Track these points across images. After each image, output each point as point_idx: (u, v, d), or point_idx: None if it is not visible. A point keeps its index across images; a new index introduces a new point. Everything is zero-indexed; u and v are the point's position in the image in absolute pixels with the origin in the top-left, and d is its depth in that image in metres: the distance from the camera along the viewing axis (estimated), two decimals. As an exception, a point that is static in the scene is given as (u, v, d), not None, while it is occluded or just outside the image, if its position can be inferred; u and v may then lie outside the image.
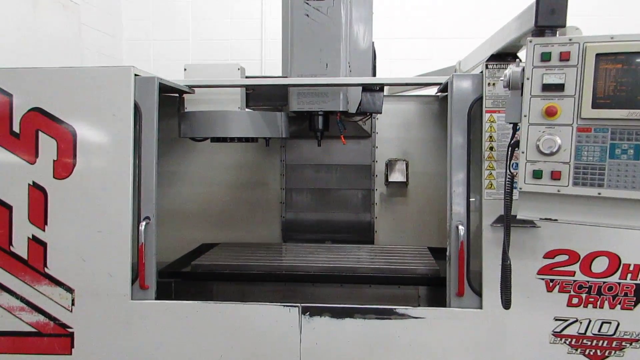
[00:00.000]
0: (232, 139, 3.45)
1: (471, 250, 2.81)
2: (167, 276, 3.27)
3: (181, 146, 4.06)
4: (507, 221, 2.36)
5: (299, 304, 2.88)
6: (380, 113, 3.50)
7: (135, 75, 2.94)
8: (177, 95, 3.63)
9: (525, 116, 2.22)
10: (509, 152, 2.37)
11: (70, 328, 2.96)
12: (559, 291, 2.73)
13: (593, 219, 2.19)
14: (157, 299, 2.96)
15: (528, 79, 2.20)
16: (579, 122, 2.16)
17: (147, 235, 2.91)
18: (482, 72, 2.79)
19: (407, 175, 3.91)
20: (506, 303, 2.43)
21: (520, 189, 2.26)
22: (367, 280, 3.20)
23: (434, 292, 3.18)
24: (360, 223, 3.98)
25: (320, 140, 3.55)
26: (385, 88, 4.07)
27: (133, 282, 2.93)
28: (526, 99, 2.21)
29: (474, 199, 2.84)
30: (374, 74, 3.64)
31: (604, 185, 2.14)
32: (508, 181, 2.36)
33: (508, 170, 2.35)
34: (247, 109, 3.67)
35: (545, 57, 2.16)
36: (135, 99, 2.92)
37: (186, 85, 3.39)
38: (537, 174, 2.21)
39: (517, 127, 2.32)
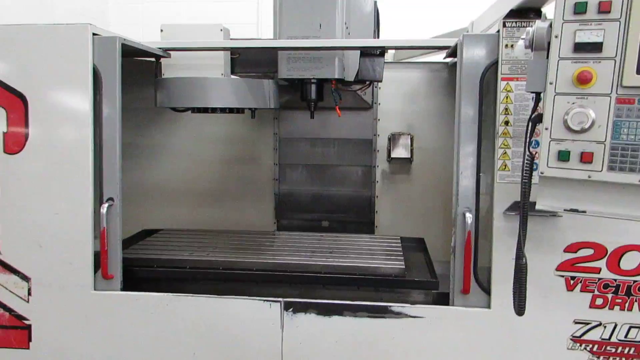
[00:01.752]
0: (213, 110, 3.08)
1: (480, 241, 2.44)
2: None
3: (163, 116, 3.72)
4: (523, 211, 1.97)
5: (280, 299, 2.55)
6: (381, 81, 3.10)
7: (94, 34, 2.54)
8: (153, 59, 3.23)
9: (551, 84, 1.81)
10: (529, 128, 1.96)
11: (27, 320, 2.66)
12: (581, 290, 2.37)
13: (631, 212, 1.79)
14: (123, 289, 2.63)
15: (556, 36, 1.78)
16: (620, 91, 1.74)
17: (110, 218, 2.57)
18: (498, 31, 2.36)
19: (411, 150, 3.60)
20: (519, 309, 2.06)
21: (542, 173, 1.86)
22: (314, 280, 2.72)
23: (399, 294, 2.74)
24: (360, 202, 3.69)
25: (313, 111, 3.16)
26: (389, 54, 3.70)
27: (95, 271, 2.60)
28: (553, 63, 1.80)
29: (483, 174, 2.44)
30: (377, 36, 3.23)
31: (646, 171, 1.73)
32: (527, 163, 1.95)
33: (527, 150, 1.94)
34: (232, 76, 3.27)
35: (580, 8, 1.74)
36: (94, 62, 2.53)
37: (160, 48, 2.98)
38: (563, 156, 1.81)
39: (540, 97, 1.90)
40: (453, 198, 2.48)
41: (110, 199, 2.59)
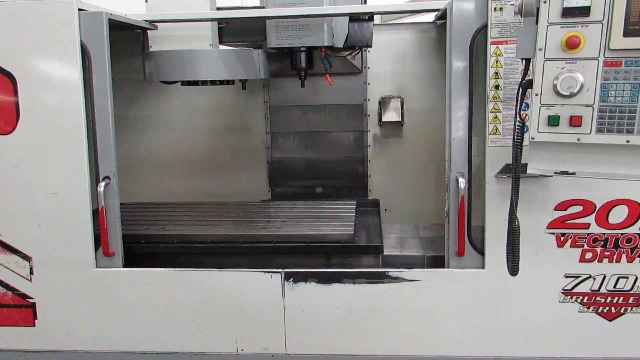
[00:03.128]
0: (203, 82, 3.05)
1: (472, 200, 2.50)
2: None
3: (152, 88, 3.67)
4: (515, 175, 2.02)
5: (281, 270, 2.61)
6: (371, 47, 3.07)
7: (80, 10, 2.49)
8: (140, 31, 3.17)
9: (540, 49, 1.83)
10: (520, 94, 1.98)
11: (31, 298, 2.71)
12: (571, 246, 2.46)
13: (619, 171, 1.84)
14: (125, 266, 2.67)
15: (545, 2, 1.79)
16: (607, 54, 1.77)
17: (107, 196, 2.59)
18: (487, -6, 2.34)
19: (402, 113, 3.58)
20: (513, 270, 2.13)
21: (533, 138, 1.90)
22: (265, 250, 2.76)
23: (350, 259, 2.80)
24: (353, 167, 3.71)
25: (303, 80, 3.14)
26: (377, 16, 3.65)
27: (96, 248, 2.63)
28: (542, 28, 1.81)
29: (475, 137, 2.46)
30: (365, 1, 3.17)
31: (633, 132, 1.78)
32: (518, 128, 1.98)
33: (518, 115, 1.97)
34: (220, 46, 3.22)
35: (568, -28, 1.73)
36: (81, 38, 2.49)
37: (145, 21, 2.92)
38: (553, 121, 1.85)
39: (530, 63, 1.91)
40: (446, 164, 2.52)
41: (107, 177, 2.60)
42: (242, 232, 2.86)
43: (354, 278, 2.57)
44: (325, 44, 2.88)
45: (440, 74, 3.38)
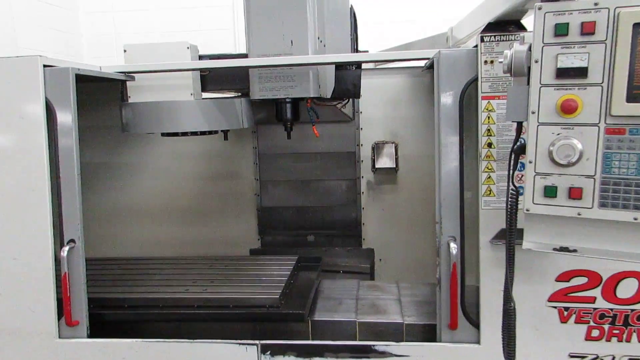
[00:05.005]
0: (184, 133, 2.91)
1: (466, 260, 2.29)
2: None
3: (137, 135, 3.56)
4: (510, 248, 1.80)
5: (257, 342, 2.39)
6: (359, 97, 2.90)
7: (46, 66, 2.36)
8: (119, 80, 3.05)
9: (533, 113, 1.64)
10: (512, 161, 1.78)
11: (-9, 372, 2.49)
12: (576, 322, 2.22)
13: (628, 249, 1.62)
14: (90, 336, 2.46)
15: (537, 61, 1.61)
16: (609, 120, 1.58)
17: (72, 261, 2.41)
18: (476, 46, 2.17)
19: (396, 159, 3.47)
20: (509, 356, 1.90)
21: (527, 210, 1.69)
22: (187, 316, 2.59)
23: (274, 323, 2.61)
24: (346, 216, 3.59)
25: (290, 131, 3.00)
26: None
27: (59, 318, 2.44)
28: (534, 90, 1.63)
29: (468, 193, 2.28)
30: (356, 45, 3.04)
31: (642, 207, 1.57)
32: (512, 196, 1.78)
33: (511, 184, 1.77)
34: (203, 94, 3.10)
35: (561, 30, 1.56)
36: (46, 96, 2.35)
37: (121, 73, 2.79)
38: (550, 192, 1.64)
39: (523, 126, 1.72)
40: (436, 226, 2.32)
41: (72, 240, 2.42)
42: (162, 294, 2.72)
43: (336, 352, 2.35)
44: (312, 95, 2.74)
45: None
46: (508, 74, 1.69)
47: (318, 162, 3.59)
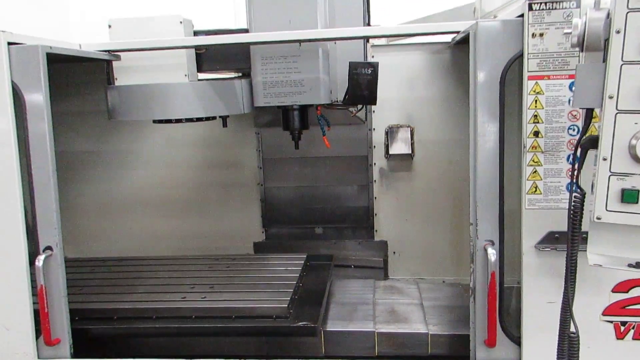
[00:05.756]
0: (178, 120, 2.61)
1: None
2: None
3: (130, 120, 3.27)
4: (571, 268, 1.48)
5: None
6: (375, 104, 2.59)
7: (11, 44, 2.02)
8: (104, 60, 2.72)
9: (610, 97, 1.31)
10: (579, 157, 1.45)
11: (-35, 397, 2.21)
12: (634, 338, 1.96)
13: None
14: (74, 355, 2.19)
15: (618, 32, 1.28)
16: None
17: (49, 272, 2.12)
18: (521, 15, 1.84)
19: (412, 145, 3.23)
20: (569, 393, 1.59)
21: (598, 218, 1.36)
22: (184, 331, 2.31)
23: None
24: (357, 206, 3.37)
25: (298, 141, 2.77)
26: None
27: (38, 336, 2.16)
28: (614, 68, 1.30)
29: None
30: (368, 19, 2.72)
31: None
32: (576, 201, 1.45)
33: (575, 185, 1.44)
34: (199, 75, 2.79)
35: (652, -9, 1.21)
36: (12, 79, 2.02)
37: (104, 51, 2.45)
38: (629, 197, 1.33)
39: (594, 115, 1.39)
40: (471, 229, 2.00)
41: (48, 247, 2.12)
42: (156, 303, 2.44)
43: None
44: (322, 102, 2.50)
45: (454, 100, 3.13)
46: (577, 49, 1.35)
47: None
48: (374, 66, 2.47)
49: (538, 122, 1.86)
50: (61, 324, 2.16)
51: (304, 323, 2.24)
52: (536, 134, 1.86)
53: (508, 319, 2.01)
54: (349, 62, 2.45)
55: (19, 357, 2.16)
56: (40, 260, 2.09)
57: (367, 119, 3.19)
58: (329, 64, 2.55)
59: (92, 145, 3.45)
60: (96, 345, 2.30)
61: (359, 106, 2.79)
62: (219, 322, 2.29)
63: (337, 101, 2.60)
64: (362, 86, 2.46)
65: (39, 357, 2.18)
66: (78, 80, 3.29)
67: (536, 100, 1.85)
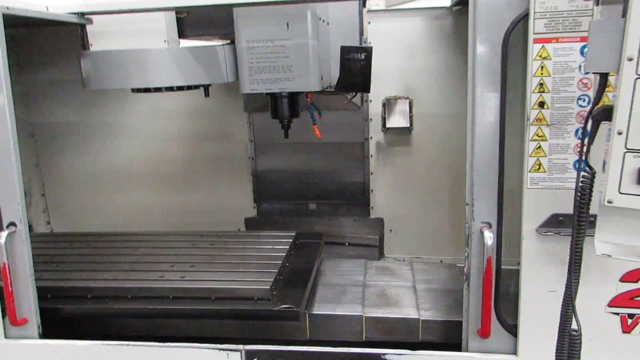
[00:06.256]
0: (157, 89, 2.45)
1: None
2: None
3: (114, 90, 3.13)
4: (576, 257, 1.31)
5: (241, 347, 1.99)
6: (369, 92, 2.42)
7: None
8: (78, 24, 2.55)
9: (630, 60, 1.12)
10: (589, 129, 1.26)
11: None
12: (643, 331, 1.79)
13: None
14: (44, 335, 2.08)
15: (641, -18, 1.06)
16: None
17: (13, 249, 2.00)
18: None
19: (410, 118, 3.10)
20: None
21: (610, 202, 1.18)
22: (159, 312, 2.19)
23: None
24: (353, 181, 3.26)
25: (287, 130, 2.57)
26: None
27: (4, 316, 2.03)
28: (635, 25, 1.08)
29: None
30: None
31: None
32: (585, 182, 1.27)
33: (584, 162, 1.26)
34: (181, 41, 2.61)
35: None
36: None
37: (74, 14, 2.28)
38: (647, 177, 1.13)
39: (609, 81, 1.20)
40: (466, 209, 1.84)
41: (12, 223, 1.98)
42: (132, 282, 2.30)
43: (336, 361, 1.93)
44: (313, 89, 2.29)
45: (456, 70, 2.96)
46: (591, 2, 1.15)
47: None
48: (368, 51, 2.28)
49: (544, 92, 1.67)
50: (28, 303, 2.05)
51: (287, 307, 2.10)
52: (541, 104, 1.67)
53: (505, 305, 1.85)
54: (341, 47, 2.26)
55: (-16, 338, 2.05)
56: (2, 237, 1.96)
57: (362, 105, 3.04)
58: (321, 47, 2.36)
59: (73, 116, 3.33)
60: (68, 325, 2.18)
61: (353, 94, 2.62)
62: (197, 304, 2.16)
63: (330, 87, 2.41)
64: (355, 72, 2.28)
65: (5, 337, 2.07)
66: (57, 46, 3.13)
67: (542, 67, 1.65)
